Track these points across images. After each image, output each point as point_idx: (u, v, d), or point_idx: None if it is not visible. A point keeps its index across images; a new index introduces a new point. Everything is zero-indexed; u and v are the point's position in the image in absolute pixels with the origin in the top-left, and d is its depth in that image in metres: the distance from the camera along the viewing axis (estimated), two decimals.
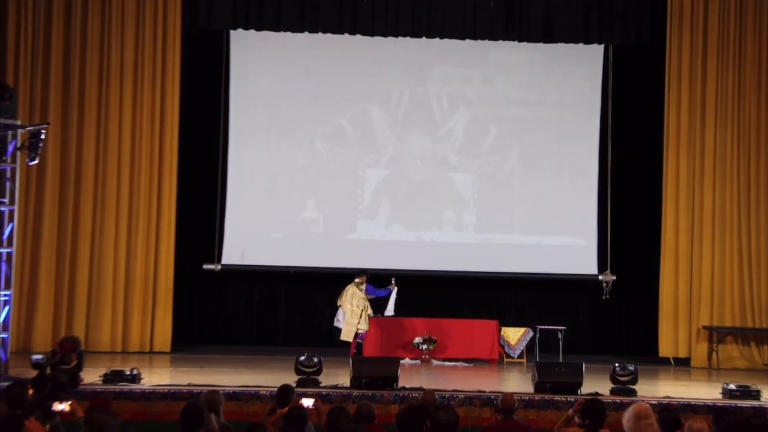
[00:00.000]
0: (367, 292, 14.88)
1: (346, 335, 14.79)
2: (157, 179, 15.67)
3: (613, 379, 11.92)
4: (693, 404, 11.23)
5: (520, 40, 16.30)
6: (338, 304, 15.04)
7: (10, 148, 12.36)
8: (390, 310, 15.29)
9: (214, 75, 16.38)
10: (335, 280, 16.13)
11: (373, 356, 14.47)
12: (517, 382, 13.53)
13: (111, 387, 11.07)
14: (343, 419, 6.82)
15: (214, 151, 16.37)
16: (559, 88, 16.74)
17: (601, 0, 16.24)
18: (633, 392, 11.69)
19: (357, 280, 14.93)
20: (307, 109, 16.51)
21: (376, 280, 15.25)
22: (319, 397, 8.67)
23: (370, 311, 14.88)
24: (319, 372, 11.77)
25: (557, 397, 11.22)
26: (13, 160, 12.49)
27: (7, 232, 12.40)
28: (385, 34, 16.24)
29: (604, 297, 16.30)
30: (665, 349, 15.89)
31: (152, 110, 15.65)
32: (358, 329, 14.74)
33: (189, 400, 8.19)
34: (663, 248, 16.00)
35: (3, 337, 12.22)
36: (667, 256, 15.97)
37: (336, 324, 15.20)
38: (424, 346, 15.25)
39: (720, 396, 11.79)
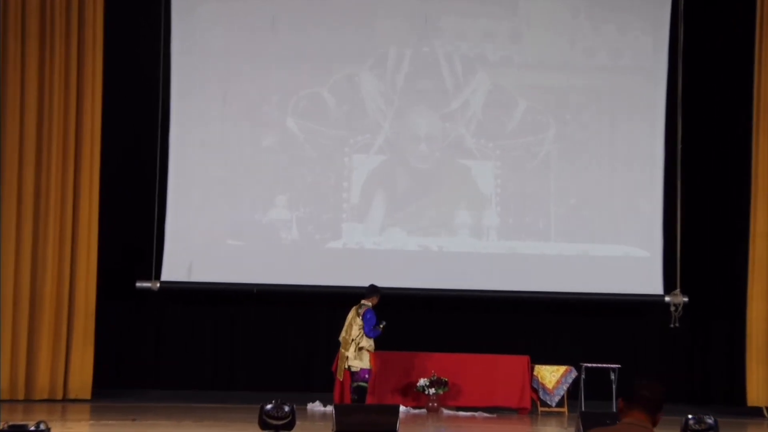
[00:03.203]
0: (363, 319, 14.52)
1: (339, 372, 14.70)
2: (73, 170, 15.62)
3: None
4: None
5: None
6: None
7: None
8: None
9: (150, 31, 16.35)
10: (313, 302, 16.65)
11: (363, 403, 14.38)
12: None
13: None
14: None
15: (150, 132, 16.35)
16: (612, 46, 16.84)
17: None
18: None
19: (363, 301, 14.70)
20: (275, 75, 16.63)
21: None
22: None
23: (365, 344, 14.53)
24: (291, 425, 11.06)
25: None
26: None
27: None
28: None
29: (672, 325, 16.42)
30: (755, 395, 15.94)
31: (66, 77, 15.63)
32: (349, 366, 14.48)
33: None
34: (751, 261, 16.08)
35: None
36: (756, 272, 16.05)
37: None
38: (432, 390, 15.23)
39: None
